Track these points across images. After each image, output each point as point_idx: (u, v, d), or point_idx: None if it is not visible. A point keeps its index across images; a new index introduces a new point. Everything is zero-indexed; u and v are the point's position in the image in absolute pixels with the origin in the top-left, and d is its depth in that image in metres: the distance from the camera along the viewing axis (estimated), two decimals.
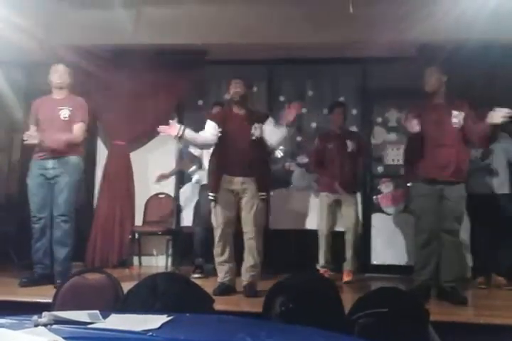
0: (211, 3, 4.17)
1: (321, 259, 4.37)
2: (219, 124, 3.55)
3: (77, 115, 3.79)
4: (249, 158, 3.48)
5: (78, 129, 3.79)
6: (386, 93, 4.93)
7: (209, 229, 3.80)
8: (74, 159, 3.80)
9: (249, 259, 3.52)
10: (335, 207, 4.42)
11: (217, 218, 3.52)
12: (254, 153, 3.50)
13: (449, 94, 3.64)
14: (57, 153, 3.72)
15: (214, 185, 3.52)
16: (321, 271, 4.34)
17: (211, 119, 3.62)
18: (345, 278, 4.26)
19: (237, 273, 3.62)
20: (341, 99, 5.16)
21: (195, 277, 4.14)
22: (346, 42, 4.40)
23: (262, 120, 3.58)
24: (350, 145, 4.36)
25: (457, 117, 3.52)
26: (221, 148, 3.55)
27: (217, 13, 4.25)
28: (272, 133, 3.56)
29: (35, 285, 3.60)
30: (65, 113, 3.76)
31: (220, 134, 3.52)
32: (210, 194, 3.55)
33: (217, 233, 3.54)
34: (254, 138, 3.51)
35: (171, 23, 4.33)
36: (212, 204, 3.56)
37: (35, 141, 3.65)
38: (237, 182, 3.50)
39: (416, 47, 4.50)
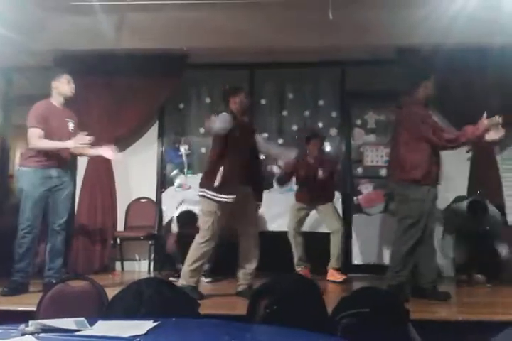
0: (192, 9, 4.20)
1: (295, 258, 4.51)
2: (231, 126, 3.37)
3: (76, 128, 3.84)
4: (250, 166, 3.52)
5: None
6: (365, 95, 5.02)
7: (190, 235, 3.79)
8: (69, 169, 3.87)
9: (250, 263, 3.55)
10: (305, 211, 4.60)
11: (214, 228, 3.40)
12: (253, 162, 3.58)
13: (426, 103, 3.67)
14: (62, 163, 3.72)
15: (232, 191, 3.41)
16: (298, 269, 4.46)
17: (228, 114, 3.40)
18: (339, 278, 4.35)
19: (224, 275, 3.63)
20: (321, 101, 5.24)
21: (173, 281, 4.14)
22: (326, 46, 4.46)
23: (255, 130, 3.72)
24: (321, 173, 4.45)
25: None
26: (225, 154, 3.43)
27: (199, 17, 4.28)
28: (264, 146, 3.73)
29: (17, 294, 3.52)
30: (71, 126, 3.79)
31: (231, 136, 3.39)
32: (229, 197, 3.39)
33: (207, 236, 3.41)
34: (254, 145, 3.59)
35: (153, 28, 4.35)
36: (211, 211, 3.42)
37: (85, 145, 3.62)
38: (240, 189, 3.46)
39: (394, 51, 4.59)
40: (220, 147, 3.43)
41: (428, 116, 3.58)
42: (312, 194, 4.52)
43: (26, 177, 3.63)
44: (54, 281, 3.52)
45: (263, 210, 4.91)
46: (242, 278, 3.58)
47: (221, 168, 3.37)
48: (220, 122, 3.29)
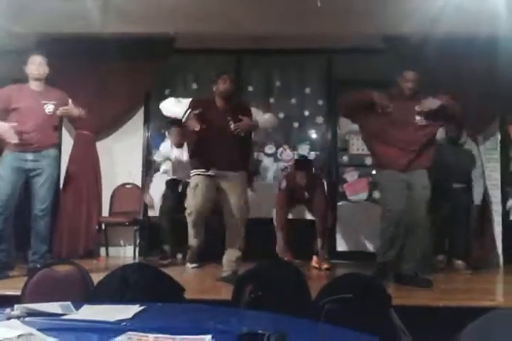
0: None
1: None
2: (198, 112, 3.42)
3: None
4: (233, 152, 3.46)
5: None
6: (352, 84, 5.00)
7: (176, 219, 3.82)
8: (53, 152, 3.76)
9: (234, 250, 3.56)
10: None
11: (196, 199, 3.45)
12: (238, 148, 3.50)
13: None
14: (37, 147, 3.64)
15: (208, 164, 3.49)
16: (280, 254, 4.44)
17: (191, 104, 3.48)
18: (325, 265, 4.36)
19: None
20: (307, 89, 5.24)
21: (163, 264, 4.18)
22: (313, 33, 4.45)
23: (245, 115, 3.53)
24: (307, 195, 4.52)
25: (420, 114, 3.58)
26: (203, 142, 3.47)
27: (186, 2, 4.21)
28: (263, 121, 3.65)
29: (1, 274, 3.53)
30: (49, 107, 3.67)
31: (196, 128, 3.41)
32: (208, 171, 3.48)
33: (192, 210, 3.49)
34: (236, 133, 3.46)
35: (139, 12, 4.28)
36: (193, 184, 3.51)
37: (15, 141, 3.52)
38: (224, 176, 3.49)
39: (382, 39, 4.59)
40: (196, 133, 3.46)
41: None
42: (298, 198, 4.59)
43: (3, 160, 3.66)
44: (38, 266, 3.52)
45: (249, 197, 4.96)
46: (226, 264, 3.60)
47: (195, 158, 3.57)
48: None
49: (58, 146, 4.84)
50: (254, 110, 3.68)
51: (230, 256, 3.58)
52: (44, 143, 3.69)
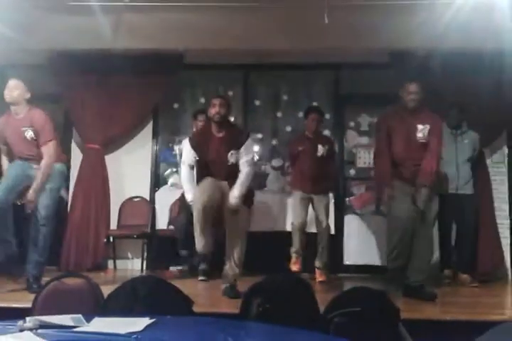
0: (188, 10, 4.21)
1: (295, 246, 4.39)
2: (196, 147, 3.54)
3: (43, 134, 3.64)
4: (228, 180, 3.46)
5: (47, 153, 3.64)
6: (358, 98, 5.08)
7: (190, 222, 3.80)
8: (59, 167, 3.76)
9: (231, 264, 3.52)
10: (307, 202, 4.48)
11: (201, 196, 3.35)
12: (232, 177, 3.48)
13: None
14: (31, 159, 3.68)
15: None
16: (293, 257, 4.37)
17: (189, 141, 3.60)
18: (319, 277, 4.35)
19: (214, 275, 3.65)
20: (315, 103, 5.28)
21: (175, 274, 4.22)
22: (320, 48, 4.50)
23: (240, 144, 3.52)
24: (320, 149, 4.43)
25: (422, 131, 3.62)
26: (201, 170, 3.54)
27: (194, 19, 4.30)
28: (248, 152, 3.55)
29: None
30: (29, 133, 3.63)
31: (197, 158, 3.52)
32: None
33: (198, 207, 3.35)
34: (229, 164, 3.49)
35: (149, 29, 4.36)
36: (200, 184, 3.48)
37: None
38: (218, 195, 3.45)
39: (388, 54, 4.64)
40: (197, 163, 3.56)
41: (379, 123, 3.82)
42: (310, 177, 4.39)
43: (11, 164, 3.76)
44: (30, 280, 3.59)
45: (254, 211, 4.96)
46: (224, 278, 3.59)
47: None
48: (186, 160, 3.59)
49: (63, 160, 4.93)
50: (248, 143, 3.59)
51: (228, 269, 3.56)
52: (31, 155, 3.68)
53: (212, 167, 3.53)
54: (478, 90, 4.40)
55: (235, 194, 3.43)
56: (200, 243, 3.45)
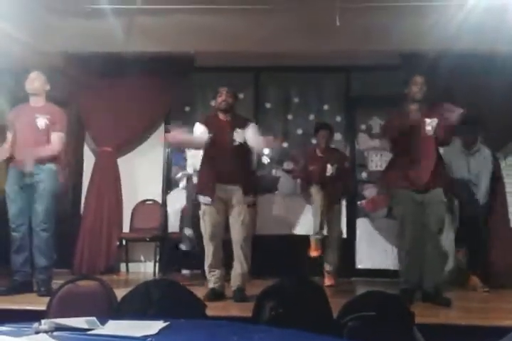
0: (200, 13, 4.24)
1: (315, 229, 4.34)
2: (207, 128, 3.59)
3: (55, 125, 3.71)
4: (234, 164, 3.50)
5: (56, 140, 3.70)
6: (369, 101, 5.06)
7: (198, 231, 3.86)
8: (51, 166, 3.71)
9: (238, 266, 3.54)
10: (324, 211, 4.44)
11: (207, 225, 3.54)
12: (239, 159, 3.53)
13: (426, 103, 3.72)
14: (34, 161, 3.63)
15: (210, 192, 3.51)
16: (312, 238, 4.30)
17: (205, 124, 3.63)
18: (327, 282, 4.32)
19: (227, 278, 3.66)
20: (325, 106, 5.27)
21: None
22: (332, 51, 4.50)
23: (243, 125, 3.59)
24: (329, 169, 4.41)
25: (430, 124, 3.61)
26: (208, 154, 3.59)
27: (206, 22, 4.31)
28: (254, 139, 3.56)
29: (15, 294, 3.53)
30: (41, 121, 3.68)
31: (208, 139, 3.54)
32: (206, 199, 3.53)
33: (206, 240, 3.56)
34: (236, 143, 3.52)
35: (161, 32, 4.38)
36: (202, 211, 3.58)
37: (3, 158, 3.69)
38: (224, 189, 3.52)
39: (400, 56, 4.62)
40: (203, 152, 3.61)
41: (389, 121, 3.79)
42: (323, 194, 4.37)
43: (8, 177, 3.74)
44: (39, 283, 3.62)
45: (265, 214, 4.97)
46: (232, 280, 3.60)
47: (201, 172, 3.61)
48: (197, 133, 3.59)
49: (79, 163, 4.96)
50: (252, 126, 3.65)
51: (233, 272, 3.58)
52: (40, 157, 3.66)
53: (218, 148, 3.52)
54: (491, 92, 4.36)
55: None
56: (211, 279, 3.57)
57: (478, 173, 4.30)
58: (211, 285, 3.58)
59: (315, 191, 4.41)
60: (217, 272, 3.58)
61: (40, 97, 3.78)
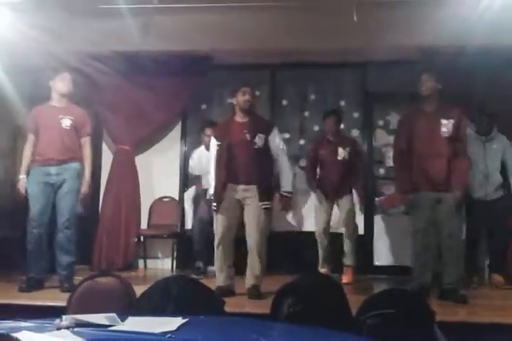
0: (216, 12, 4.25)
1: (320, 259, 4.43)
2: (221, 137, 3.60)
3: (83, 129, 3.86)
4: (251, 166, 3.49)
5: (88, 145, 3.88)
6: (387, 96, 5.00)
7: (208, 232, 3.87)
8: (75, 165, 3.82)
9: (253, 265, 3.54)
10: (331, 205, 4.47)
11: (218, 225, 3.54)
12: (257, 162, 3.51)
13: (442, 102, 3.69)
14: (58, 161, 3.76)
15: (218, 195, 3.54)
16: (322, 271, 4.38)
17: (215, 136, 3.69)
18: (344, 279, 4.29)
19: (238, 273, 3.65)
20: (343, 102, 5.23)
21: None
22: (348, 47, 4.46)
23: (266, 130, 3.58)
24: (341, 152, 4.38)
25: (447, 126, 3.57)
26: (224, 156, 3.56)
27: (222, 20, 4.32)
28: (277, 143, 3.61)
29: (33, 290, 3.61)
30: (66, 122, 3.78)
31: (224, 143, 3.55)
32: (213, 204, 3.59)
33: (217, 239, 3.55)
34: (256, 147, 3.52)
35: (178, 30, 4.40)
36: (214, 212, 3.58)
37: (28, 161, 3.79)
38: (240, 190, 3.52)
39: (417, 52, 4.56)
40: (217, 153, 3.60)
41: (403, 121, 3.80)
42: (332, 181, 4.37)
43: (30, 176, 3.79)
44: (62, 279, 3.69)
45: (281, 211, 4.95)
46: (246, 278, 3.60)
47: (217, 171, 3.58)
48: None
49: (97, 161, 5.00)
50: (275, 130, 3.66)
51: (248, 271, 3.57)
52: (63, 156, 3.77)
53: (235, 150, 3.52)
54: (509, 88, 4.29)
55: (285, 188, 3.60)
56: (220, 278, 3.57)
57: (494, 162, 4.22)
58: (218, 283, 3.57)
59: (319, 199, 4.46)
60: (226, 272, 3.58)
61: (65, 98, 3.86)
